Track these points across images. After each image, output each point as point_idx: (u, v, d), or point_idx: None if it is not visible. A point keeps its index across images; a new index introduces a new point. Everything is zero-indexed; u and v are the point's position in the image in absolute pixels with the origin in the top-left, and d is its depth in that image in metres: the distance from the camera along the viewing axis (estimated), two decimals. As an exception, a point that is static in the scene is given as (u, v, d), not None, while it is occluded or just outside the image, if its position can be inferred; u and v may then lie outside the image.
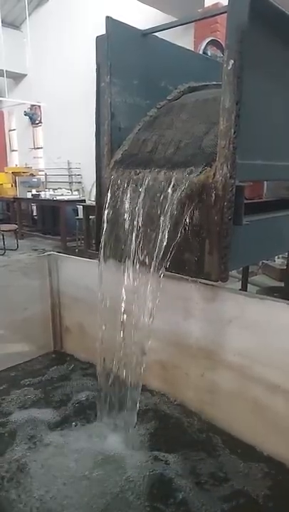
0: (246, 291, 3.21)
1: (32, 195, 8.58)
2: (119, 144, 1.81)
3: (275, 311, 1.51)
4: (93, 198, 5.87)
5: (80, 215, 6.95)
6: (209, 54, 4.96)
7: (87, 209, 6.44)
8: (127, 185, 1.67)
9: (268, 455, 1.56)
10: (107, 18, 1.68)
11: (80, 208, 7.06)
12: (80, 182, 10.75)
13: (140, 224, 1.61)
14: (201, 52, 4.85)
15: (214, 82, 1.95)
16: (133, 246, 1.63)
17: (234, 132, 1.31)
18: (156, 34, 1.87)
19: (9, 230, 7.41)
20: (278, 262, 4.73)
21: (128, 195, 1.67)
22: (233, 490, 1.42)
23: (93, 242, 3.01)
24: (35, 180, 9.67)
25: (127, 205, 1.67)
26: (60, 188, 9.18)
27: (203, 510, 1.33)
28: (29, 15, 10.85)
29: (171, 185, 1.49)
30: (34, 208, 9.50)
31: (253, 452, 1.58)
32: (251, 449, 1.60)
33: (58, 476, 1.46)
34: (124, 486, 1.42)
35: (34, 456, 1.56)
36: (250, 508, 1.36)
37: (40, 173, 11.17)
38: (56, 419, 1.81)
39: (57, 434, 1.70)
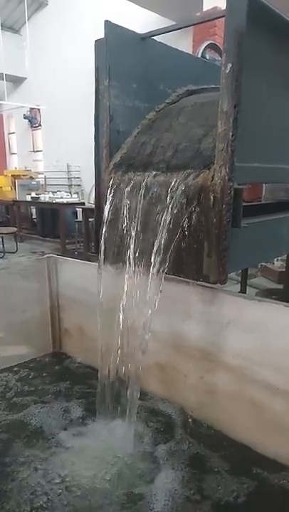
0: (245, 293, 3.21)
1: (31, 198, 8.57)
2: (118, 147, 1.82)
3: (274, 313, 1.51)
4: (92, 201, 5.87)
5: (80, 217, 6.96)
6: (208, 57, 4.98)
7: (87, 212, 6.44)
8: (126, 188, 1.67)
9: (267, 456, 1.56)
10: (106, 21, 1.69)
11: (80, 210, 7.06)
12: (79, 185, 10.77)
13: (139, 226, 1.61)
14: (199, 55, 4.87)
15: (212, 86, 1.96)
16: (132, 248, 1.63)
17: (232, 135, 1.32)
18: (154, 38, 1.88)
19: (8, 233, 7.40)
20: (277, 264, 4.73)
21: (127, 197, 1.67)
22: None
23: (92, 244, 3.01)
24: (35, 183, 9.68)
25: (126, 208, 1.68)
26: (60, 191, 9.18)
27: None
28: (28, 19, 10.89)
29: (169, 188, 1.50)
30: (33, 210, 9.50)
31: (252, 452, 1.59)
32: (250, 449, 1.60)
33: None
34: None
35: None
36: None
37: (39, 176, 11.19)
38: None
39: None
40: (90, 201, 8.11)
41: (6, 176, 10.24)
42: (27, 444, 1.66)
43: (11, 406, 1.92)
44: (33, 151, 12.86)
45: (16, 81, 12.43)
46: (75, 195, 9.36)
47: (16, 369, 2.24)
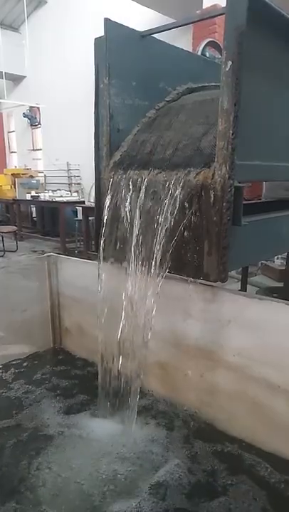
0: (246, 291, 3.21)
1: (31, 196, 8.58)
2: (118, 145, 1.82)
3: (274, 311, 1.51)
4: (92, 199, 5.87)
5: (80, 216, 6.95)
6: (208, 55, 4.96)
7: (87, 210, 6.44)
8: (126, 187, 1.67)
9: (269, 453, 1.56)
10: (106, 19, 1.69)
11: (80, 209, 7.06)
12: (79, 183, 10.77)
13: (139, 225, 1.61)
14: (199, 53, 4.85)
15: (213, 83, 1.96)
16: (132, 247, 1.63)
17: (232, 133, 1.31)
18: (154, 35, 1.87)
19: (9, 232, 7.40)
20: (277, 262, 4.73)
21: (127, 196, 1.67)
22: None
23: (93, 243, 3.01)
24: (35, 181, 9.68)
25: (126, 206, 1.67)
26: (60, 190, 9.19)
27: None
28: (28, 17, 10.87)
29: (170, 186, 1.50)
30: (33, 209, 9.50)
31: (252, 451, 1.59)
32: (251, 448, 1.60)
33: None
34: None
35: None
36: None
37: (39, 174, 11.18)
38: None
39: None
40: (90, 200, 8.11)
41: (5, 174, 10.23)
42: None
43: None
44: (33, 149, 12.85)
45: (16, 79, 12.42)
46: (75, 194, 9.36)
47: (15, 364, 2.25)
